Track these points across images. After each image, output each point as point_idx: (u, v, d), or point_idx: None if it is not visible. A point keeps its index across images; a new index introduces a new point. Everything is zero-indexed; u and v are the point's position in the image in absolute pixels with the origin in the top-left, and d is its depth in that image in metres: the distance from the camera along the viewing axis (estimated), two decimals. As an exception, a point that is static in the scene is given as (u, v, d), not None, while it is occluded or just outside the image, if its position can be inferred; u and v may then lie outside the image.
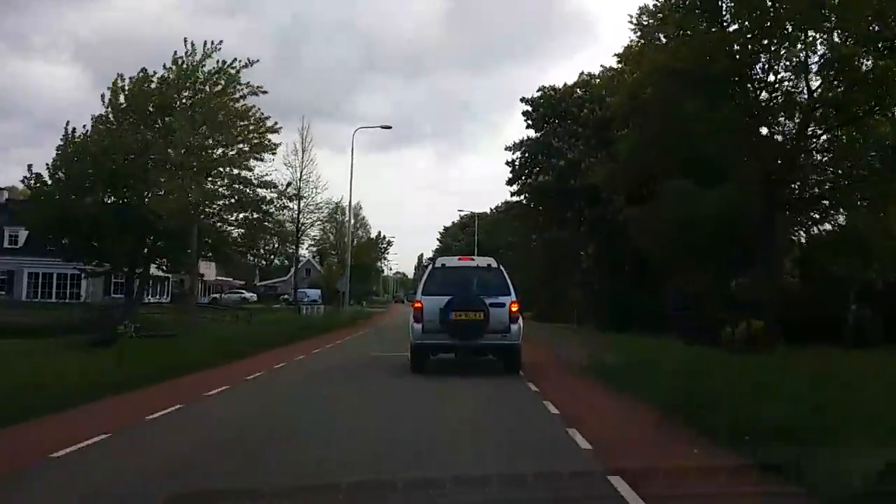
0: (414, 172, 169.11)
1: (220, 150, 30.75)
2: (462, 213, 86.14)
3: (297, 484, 5.75)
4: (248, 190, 32.40)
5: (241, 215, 31.81)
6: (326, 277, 77.33)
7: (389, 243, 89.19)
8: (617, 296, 32.72)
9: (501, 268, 14.45)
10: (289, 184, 35.01)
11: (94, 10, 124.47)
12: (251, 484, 5.72)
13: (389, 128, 40.88)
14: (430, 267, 15.68)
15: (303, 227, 36.85)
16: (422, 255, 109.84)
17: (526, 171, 35.95)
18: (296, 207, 36.07)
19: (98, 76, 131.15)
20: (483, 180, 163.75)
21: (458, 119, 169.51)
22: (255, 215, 31.63)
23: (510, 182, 36.66)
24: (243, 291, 76.12)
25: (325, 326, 30.58)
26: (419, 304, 13.94)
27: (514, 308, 13.74)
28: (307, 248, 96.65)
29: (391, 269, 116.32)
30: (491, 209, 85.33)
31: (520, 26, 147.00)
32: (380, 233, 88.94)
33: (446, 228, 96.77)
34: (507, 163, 36.74)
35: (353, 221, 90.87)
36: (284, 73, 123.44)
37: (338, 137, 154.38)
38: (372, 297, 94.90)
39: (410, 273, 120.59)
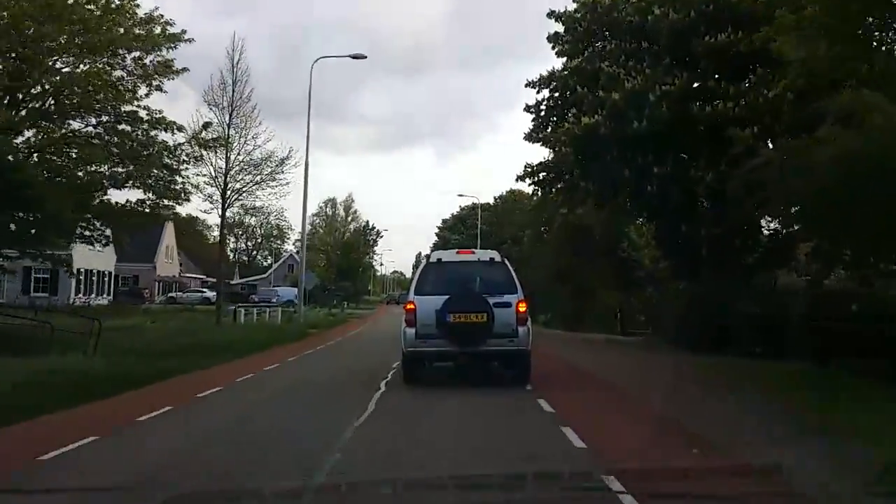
0: (414, 172, 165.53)
1: (82, 66, 19.81)
2: (462, 201, 75.89)
3: (296, 484, 5.59)
4: (136, 132, 21.36)
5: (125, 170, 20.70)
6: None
7: (379, 234, 78.53)
8: (696, 296, 21.81)
9: (506, 262, 12.99)
10: (206, 124, 23.53)
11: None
12: (251, 484, 5.57)
13: (364, 57, 30.22)
14: (423, 262, 13.86)
15: (231, 195, 25.12)
16: (419, 252, 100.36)
17: (555, 118, 24.68)
18: (223, 164, 24.47)
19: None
20: (484, 179, 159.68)
21: (458, 118, 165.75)
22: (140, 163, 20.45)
23: (532, 134, 25.48)
24: (205, 290, 65.95)
25: (214, 351, 17.26)
26: (412, 306, 12.43)
27: (522, 308, 12.27)
28: (292, 244, 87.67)
29: (382, 265, 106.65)
30: (495, 198, 75.29)
31: (520, 26, 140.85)
32: (367, 222, 78.44)
33: (444, 221, 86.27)
34: (528, 107, 25.48)
35: (344, 214, 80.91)
36: (284, 73, 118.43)
37: (338, 138, 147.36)
38: (362, 297, 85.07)
39: (409, 273, 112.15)
